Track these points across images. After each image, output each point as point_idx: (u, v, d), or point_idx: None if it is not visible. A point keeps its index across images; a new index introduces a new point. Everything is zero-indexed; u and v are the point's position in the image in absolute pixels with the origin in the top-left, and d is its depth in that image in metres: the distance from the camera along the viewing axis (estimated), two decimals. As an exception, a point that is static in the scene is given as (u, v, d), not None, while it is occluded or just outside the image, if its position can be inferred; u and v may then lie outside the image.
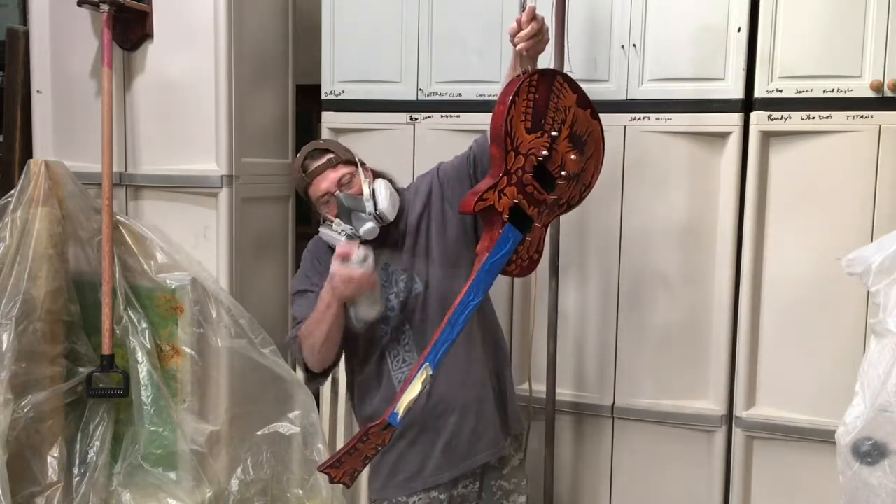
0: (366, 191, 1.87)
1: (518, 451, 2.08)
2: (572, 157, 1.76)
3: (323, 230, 1.91)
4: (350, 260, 1.70)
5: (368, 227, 1.84)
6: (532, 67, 1.73)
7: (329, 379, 2.65)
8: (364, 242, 1.84)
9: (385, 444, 1.67)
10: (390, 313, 1.89)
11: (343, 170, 1.90)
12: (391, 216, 1.87)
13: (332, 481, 1.66)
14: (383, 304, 1.84)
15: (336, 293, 1.73)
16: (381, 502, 1.96)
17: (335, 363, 1.94)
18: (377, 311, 1.79)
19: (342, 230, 1.85)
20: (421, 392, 1.66)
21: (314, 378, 1.97)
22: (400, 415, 1.63)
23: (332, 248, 1.88)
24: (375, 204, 1.85)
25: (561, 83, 1.72)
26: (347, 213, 1.85)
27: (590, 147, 1.81)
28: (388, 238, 1.90)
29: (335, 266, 1.71)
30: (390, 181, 1.95)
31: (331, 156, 1.91)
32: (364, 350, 1.94)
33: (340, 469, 1.65)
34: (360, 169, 1.91)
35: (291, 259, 2.89)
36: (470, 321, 1.74)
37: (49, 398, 2.42)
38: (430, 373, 1.65)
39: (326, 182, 1.88)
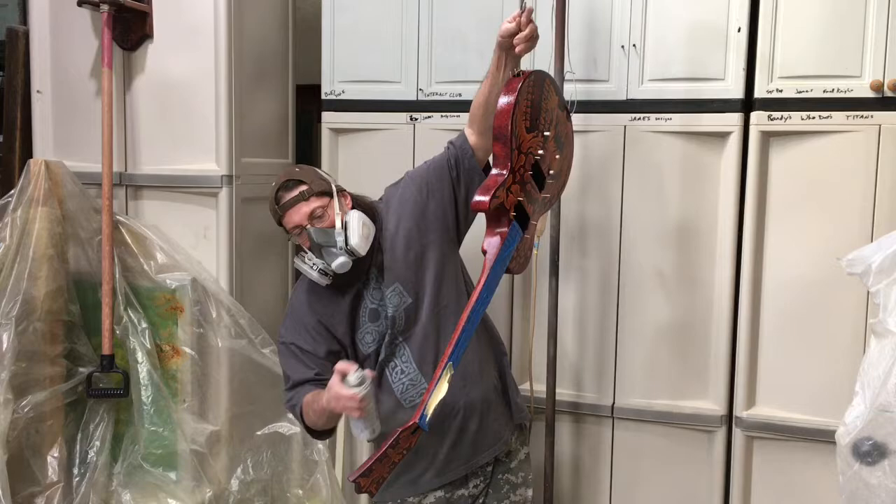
0: (338, 224, 1.84)
1: (524, 444, 2.08)
2: (557, 156, 1.79)
3: (297, 262, 1.90)
4: (348, 377, 1.66)
5: (340, 261, 1.82)
6: (516, 66, 1.75)
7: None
8: (337, 282, 1.84)
9: (411, 447, 1.65)
10: (385, 330, 1.90)
11: (315, 203, 1.87)
12: (363, 251, 1.85)
13: (360, 491, 1.64)
14: (379, 427, 1.78)
15: (330, 405, 1.71)
16: (387, 503, 1.96)
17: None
18: (369, 436, 1.75)
19: (314, 265, 1.85)
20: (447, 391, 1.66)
21: (318, 435, 1.97)
22: (428, 416, 1.62)
23: (314, 287, 1.90)
24: (347, 239, 1.83)
25: (548, 85, 1.74)
26: (318, 248, 1.84)
27: (566, 147, 1.85)
28: (371, 257, 1.89)
29: (335, 382, 1.67)
30: (369, 207, 1.94)
31: (303, 188, 1.87)
32: None
33: (369, 477, 1.63)
34: (337, 199, 1.89)
35: (291, 259, 2.89)
36: None
37: (49, 398, 2.43)
38: (452, 372, 1.65)
39: (298, 216, 1.86)
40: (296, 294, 2.01)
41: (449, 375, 1.63)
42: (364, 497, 2.64)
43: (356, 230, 1.84)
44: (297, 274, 2.74)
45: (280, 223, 1.92)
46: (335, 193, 1.90)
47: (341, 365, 1.69)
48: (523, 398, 2.43)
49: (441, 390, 1.62)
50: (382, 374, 1.92)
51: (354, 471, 1.63)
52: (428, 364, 1.90)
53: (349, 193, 1.95)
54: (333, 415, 1.79)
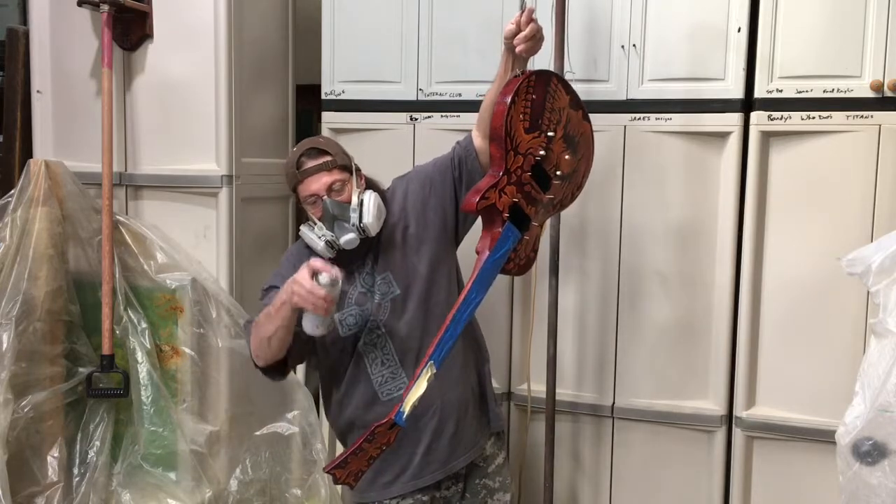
0: (354, 200, 1.85)
1: (502, 448, 2.08)
2: (566, 157, 1.78)
3: (304, 230, 1.89)
4: (319, 276, 1.66)
5: (349, 237, 1.83)
6: (523, 68, 1.74)
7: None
8: (338, 259, 1.82)
9: (390, 443, 1.66)
10: (368, 316, 1.90)
11: (337, 175, 1.87)
12: (374, 231, 1.85)
13: (337, 482, 1.65)
14: (333, 327, 1.83)
15: (291, 299, 1.69)
16: None
17: (284, 366, 1.91)
18: (322, 332, 1.76)
19: (322, 235, 1.84)
20: (425, 390, 1.66)
21: (261, 371, 1.93)
22: (406, 413, 1.62)
23: (312, 251, 1.88)
24: (361, 216, 1.84)
25: (556, 84, 1.73)
26: (331, 220, 1.84)
27: (582, 148, 1.83)
28: (372, 241, 1.89)
29: (302, 274, 1.67)
30: (381, 192, 1.94)
31: (328, 158, 1.88)
32: (339, 355, 1.94)
33: (346, 469, 1.64)
34: (355, 177, 1.90)
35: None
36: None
37: (49, 398, 2.42)
38: (434, 371, 1.64)
39: (317, 184, 1.86)
40: (287, 258, 1.99)
41: (430, 374, 1.63)
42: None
43: (371, 210, 1.84)
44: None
45: (294, 189, 1.91)
46: (354, 171, 1.92)
47: (316, 262, 1.67)
48: (523, 398, 2.45)
49: (420, 388, 1.63)
50: (361, 363, 1.91)
51: (330, 462, 1.65)
52: (410, 359, 1.89)
53: (364, 175, 1.96)
54: (286, 317, 1.73)
